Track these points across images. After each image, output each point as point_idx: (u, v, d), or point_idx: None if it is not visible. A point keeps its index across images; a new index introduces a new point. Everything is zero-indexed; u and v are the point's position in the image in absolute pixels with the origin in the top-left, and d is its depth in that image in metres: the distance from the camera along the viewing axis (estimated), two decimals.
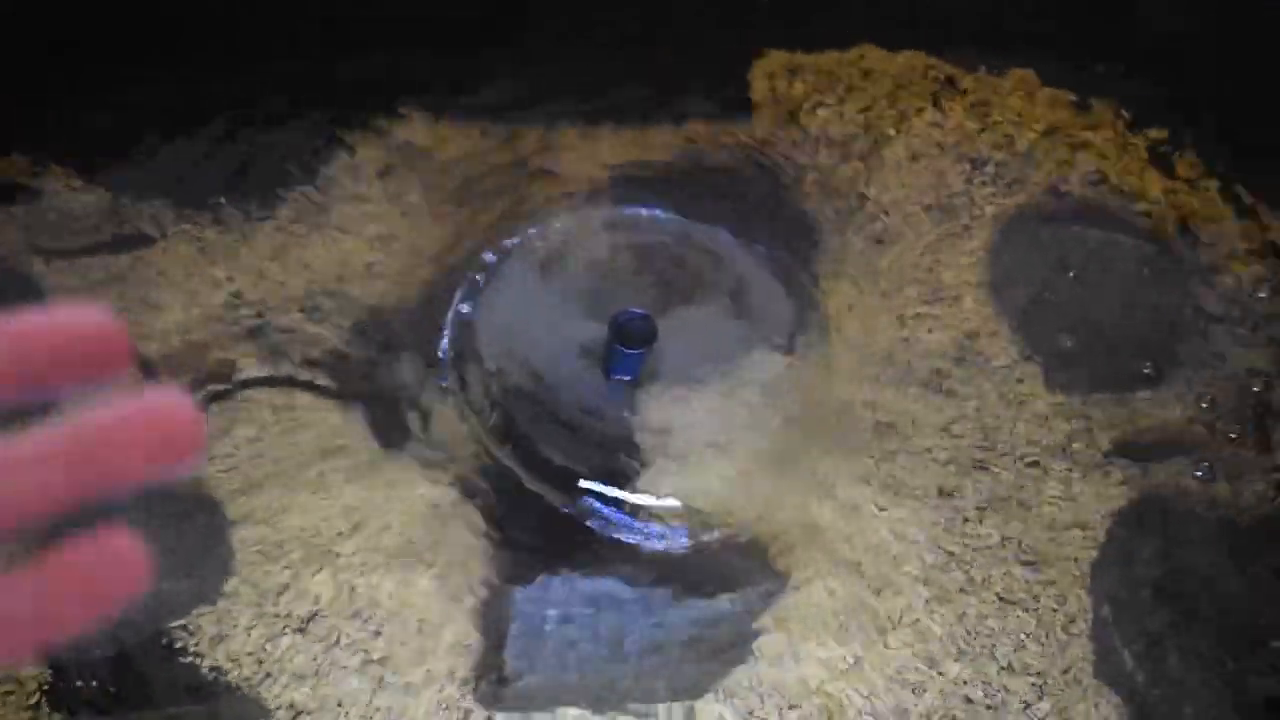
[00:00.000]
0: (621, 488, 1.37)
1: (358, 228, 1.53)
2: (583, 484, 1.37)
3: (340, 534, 1.35)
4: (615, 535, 1.37)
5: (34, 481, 0.48)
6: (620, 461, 1.38)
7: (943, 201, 1.61)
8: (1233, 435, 1.50)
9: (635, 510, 1.37)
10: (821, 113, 1.65)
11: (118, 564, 0.50)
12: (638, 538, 1.37)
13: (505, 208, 1.56)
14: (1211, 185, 1.64)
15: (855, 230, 1.58)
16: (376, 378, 1.44)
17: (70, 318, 0.50)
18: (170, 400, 0.50)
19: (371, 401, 1.42)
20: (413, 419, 1.41)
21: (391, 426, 1.41)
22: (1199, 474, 1.48)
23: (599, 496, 1.37)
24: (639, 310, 1.36)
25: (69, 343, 0.50)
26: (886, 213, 1.60)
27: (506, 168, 1.60)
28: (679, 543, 1.37)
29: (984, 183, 1.62)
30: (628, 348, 1.35)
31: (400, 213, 1.55)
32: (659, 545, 1.37)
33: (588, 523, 1.37)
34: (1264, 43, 1.60)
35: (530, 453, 1.38)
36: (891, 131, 1.65)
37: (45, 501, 0.49)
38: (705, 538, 1.38)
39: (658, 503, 1.38)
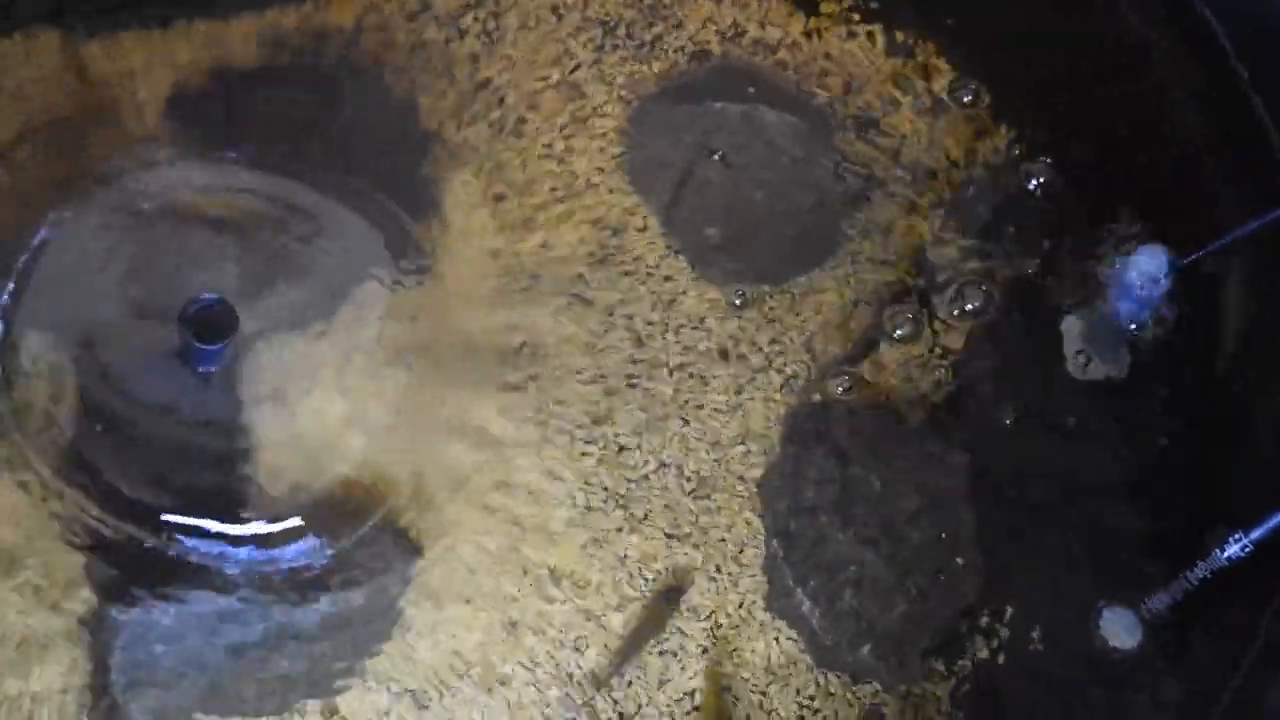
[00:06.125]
0: (226, 514, 1.22)
1: None
2: (171, 520, 1.21)
3: None
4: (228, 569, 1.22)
5: None
6: (221, 479, 1.23)
7: (569, 77, 1.42)
8: (900, 318, 1.37)
9: (246, 540, 1.23)
10: None
11: None
12: (261, 569, 1.23)
13: (68, 166, 1.33)
14: (870, 27, 1.46)
15: (477, 120, 1.39)
16: None
17: None
18: None
19: None
20: None
21: None
22: (860, 367, 1.36)
23: (196, 532, 1.22)
24: (211, 295, 1.19)
25: None
26: (506, 97, 1.40)
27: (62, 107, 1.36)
28: (317, 561, 1.23)
29: (615, 48, 1.43)
30: (206, 343, 1.18)
31: None
32: (287, 568, 1.23)
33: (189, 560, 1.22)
34: None
35: (103, 486, 1.21)
36: None
37: None
38: (345, 541, 1.25)
39: (273, 528, 1.23)
